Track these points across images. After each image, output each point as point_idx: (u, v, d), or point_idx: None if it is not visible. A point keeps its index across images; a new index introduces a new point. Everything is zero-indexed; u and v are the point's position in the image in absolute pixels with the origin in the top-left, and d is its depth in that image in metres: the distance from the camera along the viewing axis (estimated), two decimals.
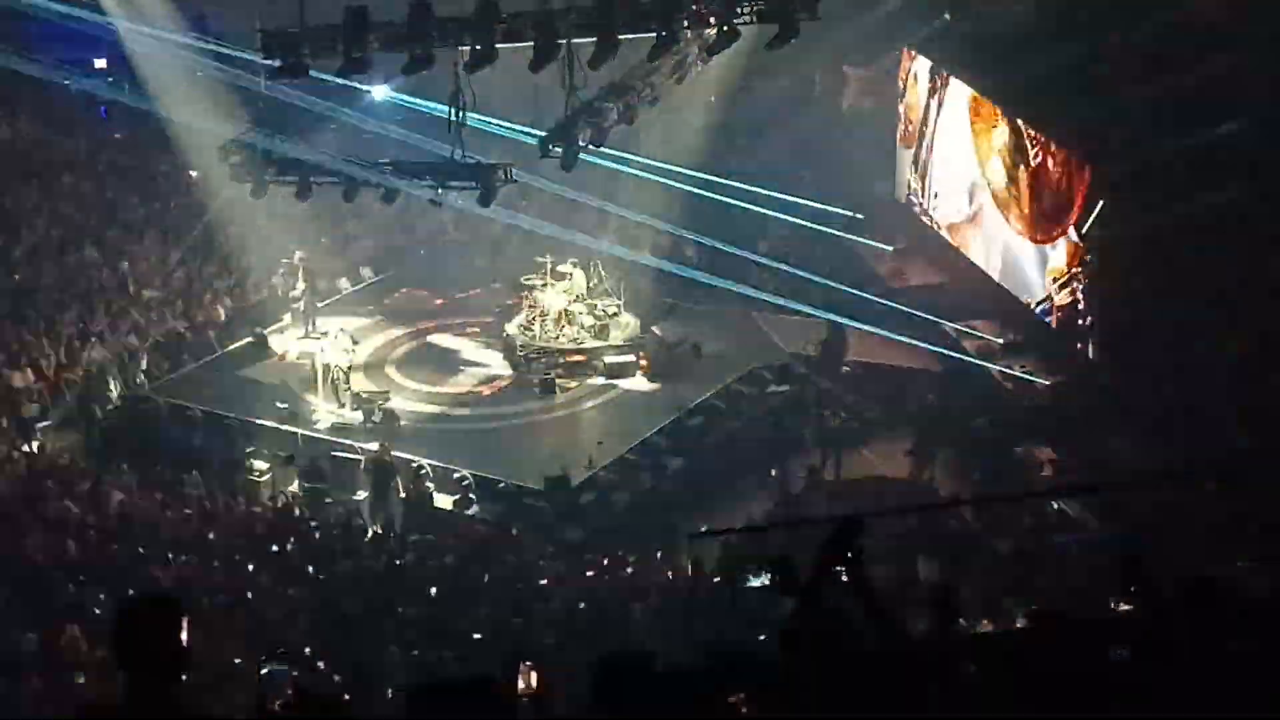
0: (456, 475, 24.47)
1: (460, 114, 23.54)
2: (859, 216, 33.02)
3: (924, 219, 32.02)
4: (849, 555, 6.04)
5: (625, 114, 25.17)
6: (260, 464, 25.00)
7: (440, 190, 25.90)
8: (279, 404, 26.62)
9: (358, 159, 27.44)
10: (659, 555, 22.31)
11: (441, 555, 21.54)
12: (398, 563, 21.04)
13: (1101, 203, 24.86)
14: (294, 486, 24.46)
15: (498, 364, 28.88)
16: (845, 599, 6.19)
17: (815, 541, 6.20)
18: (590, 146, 24.80)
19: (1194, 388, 23.83)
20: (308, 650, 18.53)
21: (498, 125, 26.89)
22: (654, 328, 28.96)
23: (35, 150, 33.96)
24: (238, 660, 18.06)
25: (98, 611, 19.07)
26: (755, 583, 6.33)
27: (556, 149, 24.54)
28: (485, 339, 29.79)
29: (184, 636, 5.17)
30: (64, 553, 20.62)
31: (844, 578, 6.14)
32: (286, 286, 31.07)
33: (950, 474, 24.81)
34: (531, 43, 22.57)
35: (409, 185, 26.54)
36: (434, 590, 20.11)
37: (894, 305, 29.04)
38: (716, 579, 20.62)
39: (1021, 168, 27.68)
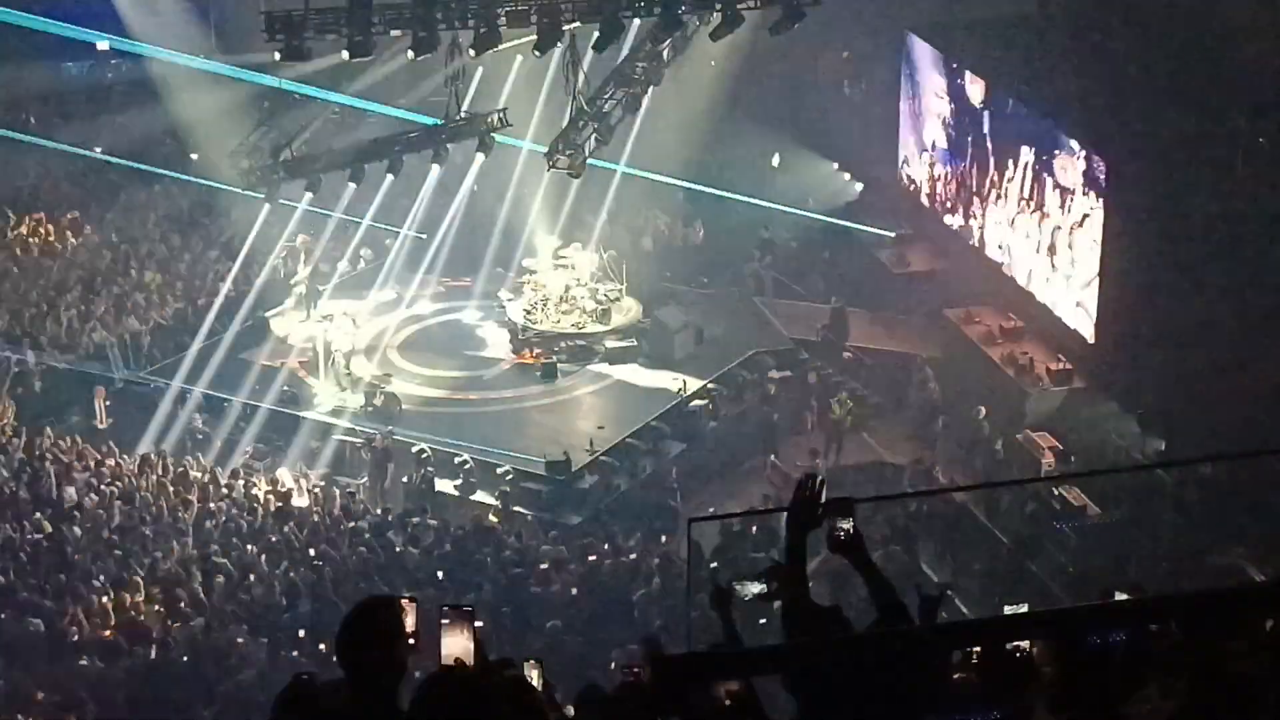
0: (458, 459, 24.50)
1: (457, 75, 23.67)
2: (861, 200, 33.03)
3: (926, 204, 31.97)
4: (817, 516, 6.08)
5: (629, 104, 25.26)
6: None
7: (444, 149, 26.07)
8: (282, 387, 26.64)
9: (361, 139, 27.62)
10: (661, 539, 22.36)
11: (442, 538, 21.57)
12: (398, 548, 21.06)
13: (1108, 188, 24.83)
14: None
15: (500, 348, 28.87)
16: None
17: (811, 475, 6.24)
18: (598, 144, 24.97)
19: (1196, 373, 23.83)
20: (302, 633, 18.62)
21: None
22: (656, 312, 28.96)
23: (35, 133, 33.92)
24: (240, 641, 18.15)
25: (101, 586, 19.16)
26: (753, 591, 6.34)
27: (563, 160, 24.72)
28: (487, 323, 29.78)
29: (408, 635, 5.20)
30: (66, 535, 20.67)
31: (845, 537, 6.19)
32: (288, 269, 31.08)
33: (951, 460, 24.84)
34: (535, 26, 22.65)
35: (413, 152, 26.70)
36: (436, 573, 20.16)
37: (895, 290, 29.04)
38: (714, 564, 20.65)
39: (1025, 153, 27.65)
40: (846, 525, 6.19)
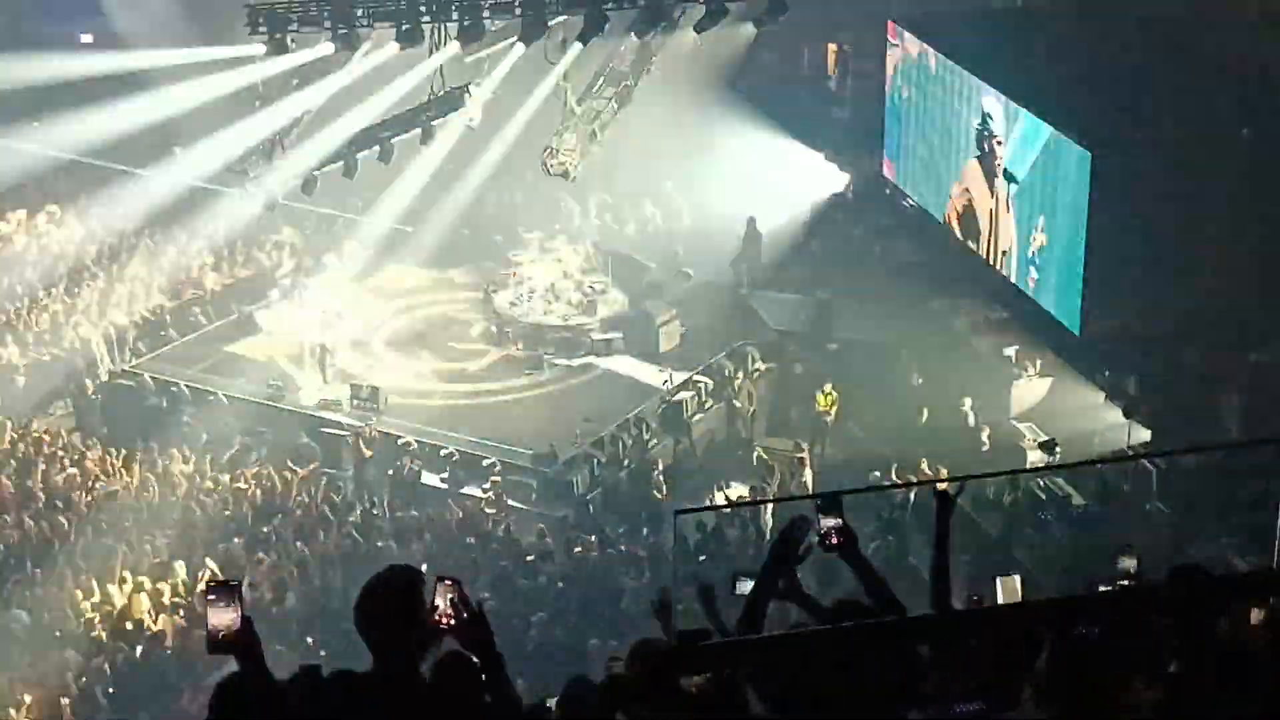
0: (444, 452, 24.48)
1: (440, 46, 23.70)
2: (848, 194, 33.03)
3: (912, 195, 31.98)
4: (798, 557, 6.13)
5: (620, 99, 25.26)
6: None
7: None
8: (269, 382, 26.60)
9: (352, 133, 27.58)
10: (645, 531, 22.38)
11: (428, 532, 21.57)
12: (383, 542, 21.05)
13: (1093, 182, 24.84)
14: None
15: (485, 340, 28.86)
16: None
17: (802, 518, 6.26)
18: (590, 147, 25.00)
19: (1181, 364, 23.91)
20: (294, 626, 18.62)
21: None
22: (642, 304, 28.96)
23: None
24: None
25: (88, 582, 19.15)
26: (746, 587, 6.36)
27: (557, 166, 24.74)
28: (473, 315, 29.76)
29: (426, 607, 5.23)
30: (50, 529, 20.64)
31: (833, 539, 6.22)
32: (274, 262, 31.02)
33: (937, 451, 24.84)
34: (519, 19, 22.64)
35: (401, 134, 26.69)
36: (422, 566, 20.13)
37: (882, 281, 29.03)
38: (702, 558, 20.67)
39: (1012, 147, 27.65)
40: (833, 523, 6.20)
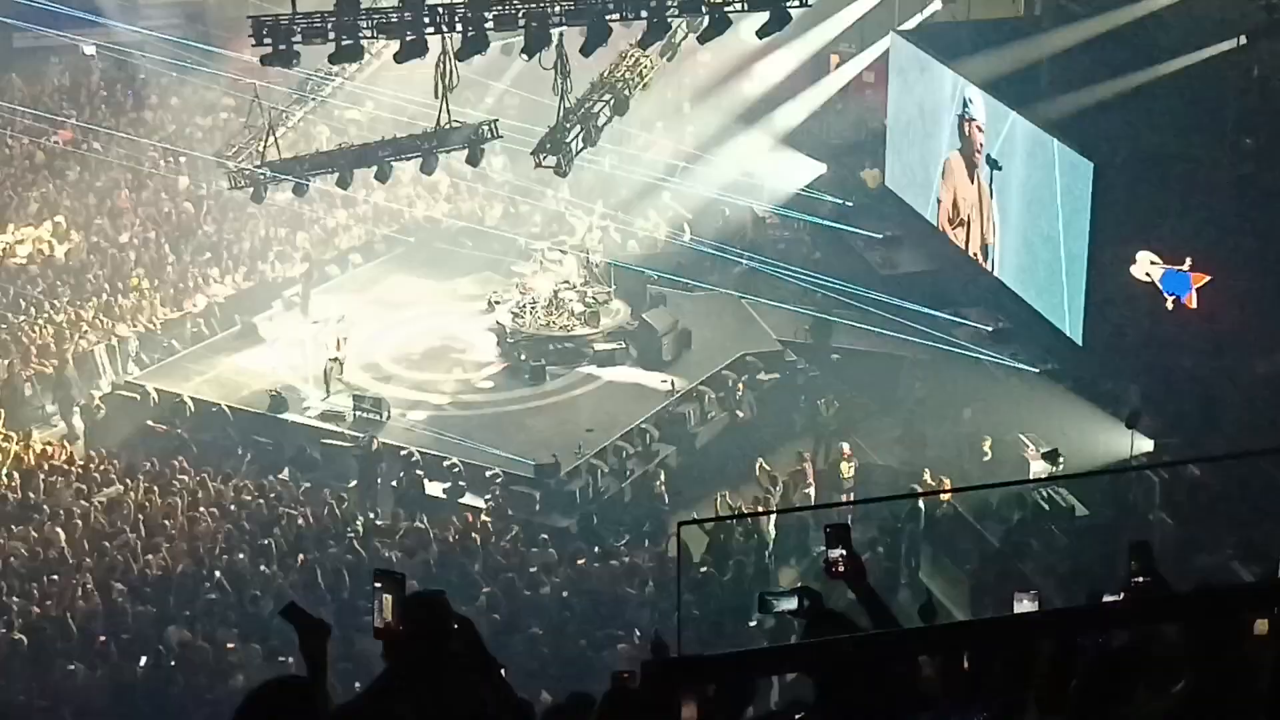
0: (447, 463, 24.46)
1: (446, 82, 23.73)
2: (849, 204, 33.05)
3: (914, 205, 31.98)
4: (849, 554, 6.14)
5: (617, 106, 25.26)
6: None
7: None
8: (271, 392, 26.58)
9: (349, 144, 27.59)
10: (648, 542, 22.35)
11: (431, 543, 21.53)
12: (387, 553, 21.02)
13: (1095, 193, 24.86)
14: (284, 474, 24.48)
15: (488, 351, 28.85)
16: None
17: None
18: (584, 146, 24.98)
19: (1184, 375, 23.89)
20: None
21: None
22: (644, 315, 28.95)
23: (23, 137, 33.85)
24: (230, 645, 18.10)
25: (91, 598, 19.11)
26: (783, 607, 6.34)
27: (550, 158, 24.72)
28: (476, 326, 29.75)
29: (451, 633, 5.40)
30: (53, 541, 20.61)
31: (839, 568, 6.24)
32: (277, 273, 31.03)
33: (939, 462, 24.82)
34: (522, 30, 22.64)
35: (401, 159, 26.74)
36: (425, 578, 20.12)
37: (884, 292, 29.04)
38: (704, 569, 20.67)
39: (1012, 155, 27.65)
40: (838, 553, 6.23)
